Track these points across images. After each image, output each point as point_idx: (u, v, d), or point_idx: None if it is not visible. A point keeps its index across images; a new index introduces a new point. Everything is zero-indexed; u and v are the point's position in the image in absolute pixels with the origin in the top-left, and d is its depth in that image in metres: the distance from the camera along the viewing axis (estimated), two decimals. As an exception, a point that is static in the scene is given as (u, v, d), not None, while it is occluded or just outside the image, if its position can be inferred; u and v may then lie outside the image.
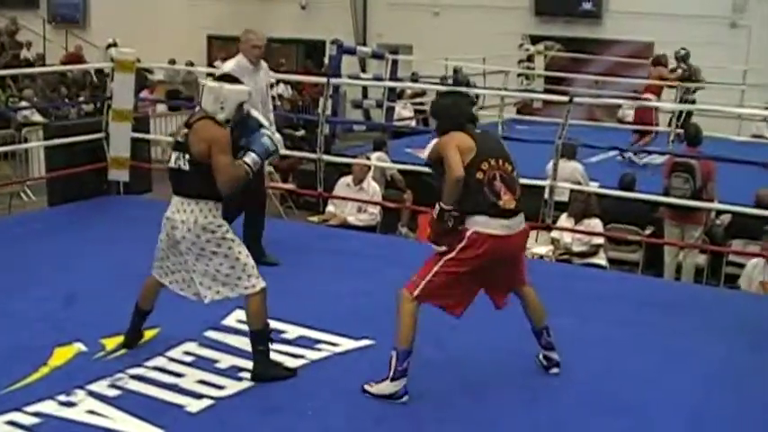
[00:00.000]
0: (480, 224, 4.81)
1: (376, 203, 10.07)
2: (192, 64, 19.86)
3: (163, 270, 5.14)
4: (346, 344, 5.62)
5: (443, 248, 4.86)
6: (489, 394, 5.05)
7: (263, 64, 7.40)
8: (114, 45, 17.75)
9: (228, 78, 5.16)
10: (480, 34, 19.34)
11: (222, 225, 4.93)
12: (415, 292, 4.84)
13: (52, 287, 6.45)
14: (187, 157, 4.87)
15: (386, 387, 4.86)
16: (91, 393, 4.81)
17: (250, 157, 4.97)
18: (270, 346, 5.06)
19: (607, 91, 16.40)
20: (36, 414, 4.57)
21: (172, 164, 4.98)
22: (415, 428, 4.69)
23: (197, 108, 5.13)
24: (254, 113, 5.32)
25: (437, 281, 4.85)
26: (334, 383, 5.07)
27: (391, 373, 4.83)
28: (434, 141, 5.10)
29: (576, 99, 9.74)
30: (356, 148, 12.44)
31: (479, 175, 4.87)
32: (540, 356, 5.34)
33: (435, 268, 4.85)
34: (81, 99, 17.82)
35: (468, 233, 4.80)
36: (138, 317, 5.35)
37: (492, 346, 5.68)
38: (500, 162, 5.02)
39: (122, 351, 5.33)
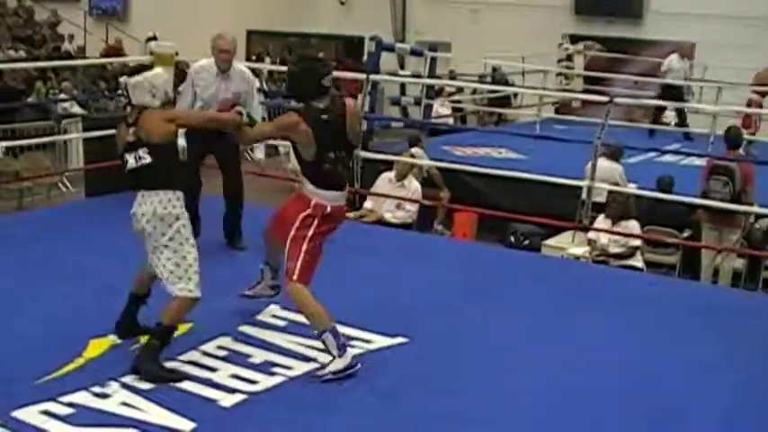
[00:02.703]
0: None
1: (416, 201, 10.04)
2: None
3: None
4: (380, 341, 5.60)
5: None
6: (523, 408, 4.97)
7: (240, 69, 7.33)
8: (154, 38, 17.87)
9: (143, 68, 5.26)
10: (519, 33, 19.27)
11: (179, 218, 4.97)
12: (295, 277, 5.12)
13: (88, 278, 6.46)
14: (145, 149, 4.92)
15: (339, 363, 5.00)
16: (125, 385, 4.82)
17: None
18: (162, 350, 4.99)
19: (647, 92, 16.26)
20: (70, 404, 4.59)
21: (130, 165, 4.99)
22: (450, 425, 4.66)
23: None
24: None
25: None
26: (368, 380, 5.05)
27: (336, 351, 5.00)
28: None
29: (617, 99, 9.69)
30: (394, 145, 12.41)
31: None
32: None
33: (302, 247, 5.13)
34: (120, 92, 17.88)
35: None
36: (129, 300, 5.38)
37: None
38: None
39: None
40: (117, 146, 5.11)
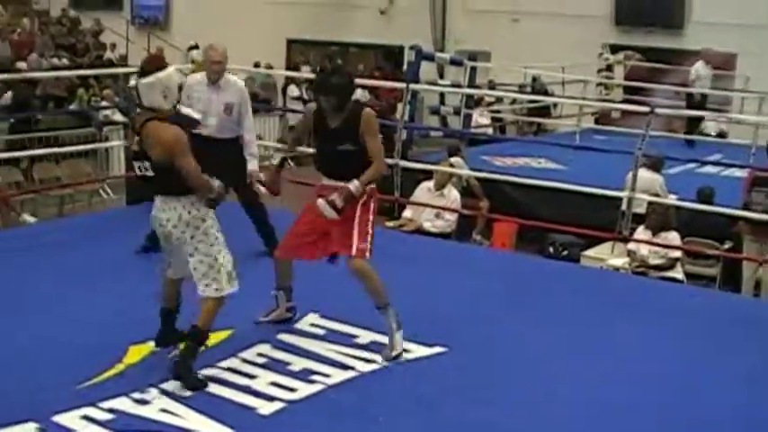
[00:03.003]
0: None
1: (455, 211, 10.03)
2: (270, 67, 20.01)
3: (168, 265, 5.20)
4: (418, 350, 5.58)
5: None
6: (561, 419, 4.94)
7: (232, 80, 7.33)
8: (196, 47, 18.02)
9: (152, 69, 4.99)
10: (559, 42, 19.19)
11: (206, 219, 4.94)
12: (368, 255, 5.45)
13: (128, 285, 6.49)
14: (147, 164, 4.87)
15: (400, 337, 5.47)
16: (164, 392, 4.84)
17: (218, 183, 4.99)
18: (197, 352, 5.00)
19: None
20: (110, 410, 4.62)
21: (138, 172, 4.99)
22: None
23: (137, 111, 5.04)
24: (185, 110, 5.35)
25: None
26: (407, 390, 5.05)
27: (395, 324, 5.46)
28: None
29: (658, 110, 9.64)
30: (434, 155, 12.42)
31: None
32: None
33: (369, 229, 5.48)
34: (126, 94, 18.00)
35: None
36: (163, 315, 5.32)
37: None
38: None
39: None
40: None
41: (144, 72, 4.92)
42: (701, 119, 15.34)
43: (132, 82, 4.92)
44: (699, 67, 15.40)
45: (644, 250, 9.01)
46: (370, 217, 5.53)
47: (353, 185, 5.36)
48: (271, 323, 5.82)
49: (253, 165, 7.27)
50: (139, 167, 4.93)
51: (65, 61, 18.86)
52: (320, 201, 5.39)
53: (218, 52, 7.12)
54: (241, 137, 7.29)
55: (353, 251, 5.41)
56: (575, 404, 5.01)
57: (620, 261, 9.14)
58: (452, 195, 10.17)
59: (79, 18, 23.85)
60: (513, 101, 18.27)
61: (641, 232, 9.04)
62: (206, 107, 6.97)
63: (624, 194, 8.82)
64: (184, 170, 4.79)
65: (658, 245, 8.90)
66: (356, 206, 5.45)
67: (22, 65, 17.80)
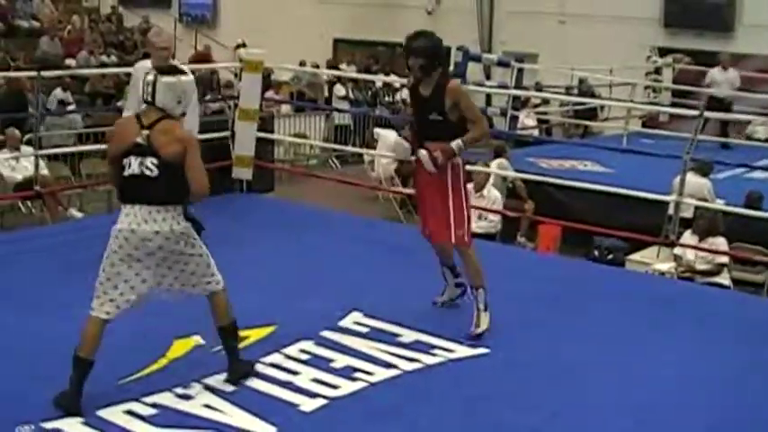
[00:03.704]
0: None
1: (495, 212, 10.00)
2: (317, 66, 20.07)
3: (123, 295, 4.66)
4: (461, 350, 5.59)
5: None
6: (604, 424, 4.92)
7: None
8: (243, 45, 18.13)
9: (181, 70, 4.90)
10: (607, 45, 19.06)
11: (188, 225, 4.77)
12: (467, 239, 5.85)
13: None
14: (153, 160, 4.54)
15: (485, 318, 5.80)
16: (207, 387, 4.88)
17: None
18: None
19: (736, 106, 15.99)
20: (154, 405, 4.66)
21: (133, 170, 4.57)
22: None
23: (142, 106, 4.76)
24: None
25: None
26: (449, 391, 5.05)
27: (485, 306, 5.81)
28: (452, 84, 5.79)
29: (707, 114, 9.55)
30: (477, 155, 12.37)
31: None
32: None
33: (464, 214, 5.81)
34: (208, 98, 18.16)
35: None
36: (80, 370, 4.64)
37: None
38: None
39: (240, 345, 5.25)
40: (112, 142, 4.77)
41: (164, 71, 4.74)
42: (727, 123, 15.26)
43: (150, 77, 4.61)
44: (714, 72, 15.29)
45: (690, 255, 8.94)
46: (463, 202, 5.82)
47: (456, 143, 5.64)
48: (315, 320, 5.80)
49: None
50: (139, 164, 4.55)
51: (113, 58, 19.03)
52: (423, 152, 5.68)
53: (163, 38, 7.04)
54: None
55: (453, 239, 5.81)
56: (618, 408, 4.97)
57: (666, 266, 9.09)
58: (493, 195, 10.16)
59: (127, 16, 24.08)
60: (562, 103, 18.17)
61: (688, 237, 8.97)
62: None
63: (671, 198, 8.74)
64: (196, 168, 4.60)
65: (705, 250, 8.82)
66: (446, 187, 5.76)
67: (71, 62, 18.01)
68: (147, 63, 6.94)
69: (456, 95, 5.69)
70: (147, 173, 4.54)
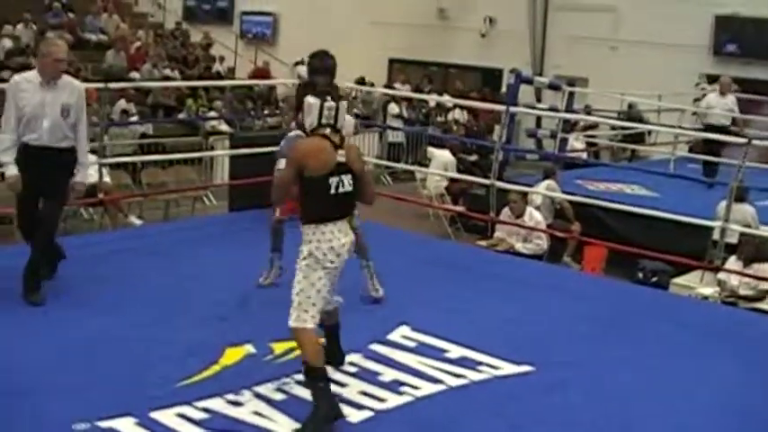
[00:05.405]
0: None
1: (545, 231, 10.06)
2: (372, 84, 20.32)
3: (318, 305, 4.83)
4: (507, 368, 5.63)
5: None
6: None
7: (69, 80, 6.42)
8: (302, 63, 18.40)
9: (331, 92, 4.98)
10: (657, 71, 19.08)
11: None
12: None
13: (228, 289, 6.72)
14: (347, 177, 4.79)
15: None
16: (257, 395, 4.98)
17: None
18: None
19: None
20: (205, 410, 4.77)
21: (345, 188, 4.81)
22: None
23: (307, 125, 4.88)
24: None
25: None
26: (493, 407, 5.10)
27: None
28: None
29: (755, 141, 9.61)
30: (525, 177, 12.50)
31: None
32: None
33: None
34: (266, 112, 18.47)
35: None
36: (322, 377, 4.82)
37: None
38: None
39: (290, 356, 5.45)
40: (307, 164, 4.75)
41: (336, 95, 4.87)
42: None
43: (332, 103, 4.78)
44: (710, 97, 15.20)
45: (734, 280, 9.00)
46: None
47: None
48: (363, 333, 5.89)
49: (81, 176, 6.51)
50: (338, 184, 4.76)
51: (176, 72, 19.40)
52: None
53: (61, 48, 6.37)
54: (74, 148, 6.41)
55: None
56: (660, 431, 5.03)
57: (710, 290, 9.11)
58: (535, 218, 10.11)
59: (190, 32, 24.48)
60: (611, 127, 18.21)
61: (733, 262, 9.03)
62: (37, 110, 6.21)
63: (717, 224, 8.82)
64: (369, 179, 5.10)
65: (751, 276, 8.88)
66: None
67: (135, 75, 18.40)
68: (26, 74, 6.43)
69: None
70: (347, 189, 4.80)
